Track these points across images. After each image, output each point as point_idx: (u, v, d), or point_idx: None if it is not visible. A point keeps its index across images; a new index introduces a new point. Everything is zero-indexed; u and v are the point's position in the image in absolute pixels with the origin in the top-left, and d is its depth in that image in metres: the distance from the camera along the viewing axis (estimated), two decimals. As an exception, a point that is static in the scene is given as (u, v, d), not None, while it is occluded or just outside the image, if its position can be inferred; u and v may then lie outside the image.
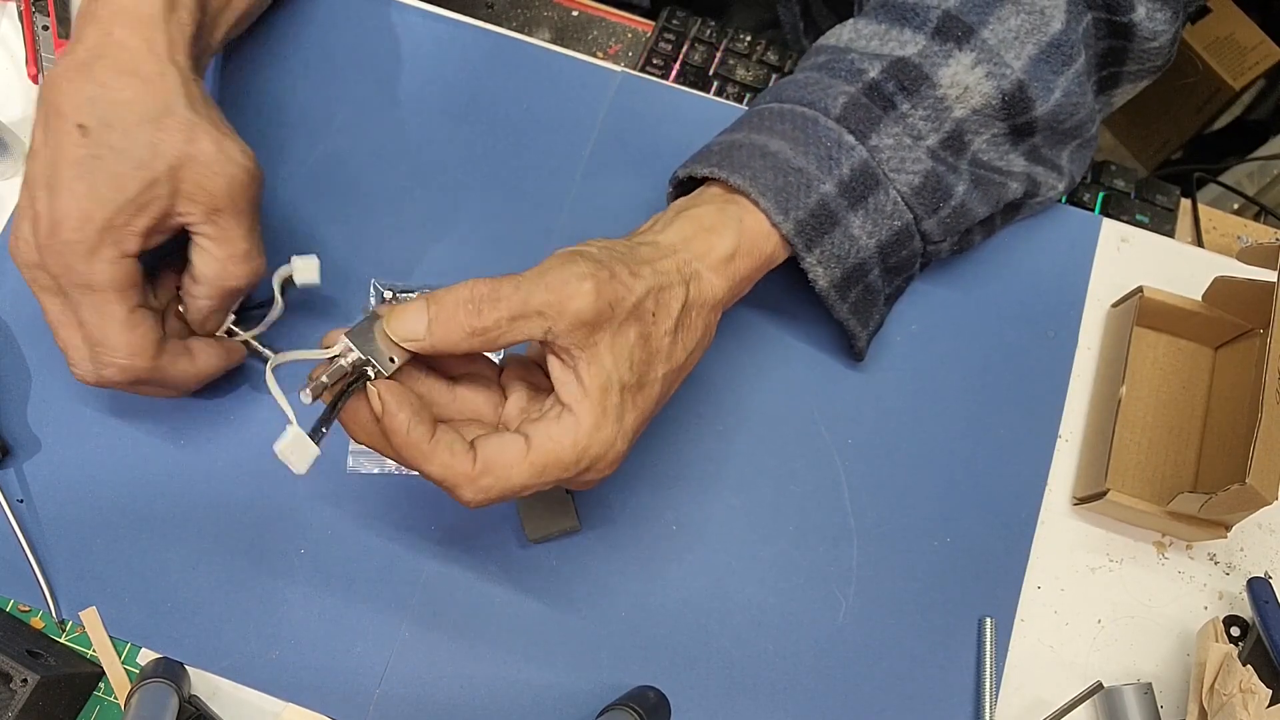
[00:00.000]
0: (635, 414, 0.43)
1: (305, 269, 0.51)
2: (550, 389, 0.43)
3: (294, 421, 0.40)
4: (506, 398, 0.45)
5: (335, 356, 0.41)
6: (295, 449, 0.39)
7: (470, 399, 0.45)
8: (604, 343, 0.41)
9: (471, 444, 0.42)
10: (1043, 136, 0.53)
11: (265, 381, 0.42)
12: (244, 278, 0.49)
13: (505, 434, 0.42)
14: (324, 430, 0.40)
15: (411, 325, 0.41)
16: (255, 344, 0.54)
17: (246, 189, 0.48)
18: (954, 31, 0.49)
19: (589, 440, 0.41)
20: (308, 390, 0.40)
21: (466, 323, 0.40)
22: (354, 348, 0.41)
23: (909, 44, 0.50)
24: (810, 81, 0.51)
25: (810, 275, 0.49)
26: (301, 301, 0.56)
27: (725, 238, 0.46)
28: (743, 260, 0.47)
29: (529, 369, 0.46)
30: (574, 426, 0.41)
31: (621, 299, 0.41)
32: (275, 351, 0.54)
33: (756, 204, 0.47)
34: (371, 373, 0.41)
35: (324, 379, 0.40)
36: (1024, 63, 0.49)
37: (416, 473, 0.43)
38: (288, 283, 0.52)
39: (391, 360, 0.41)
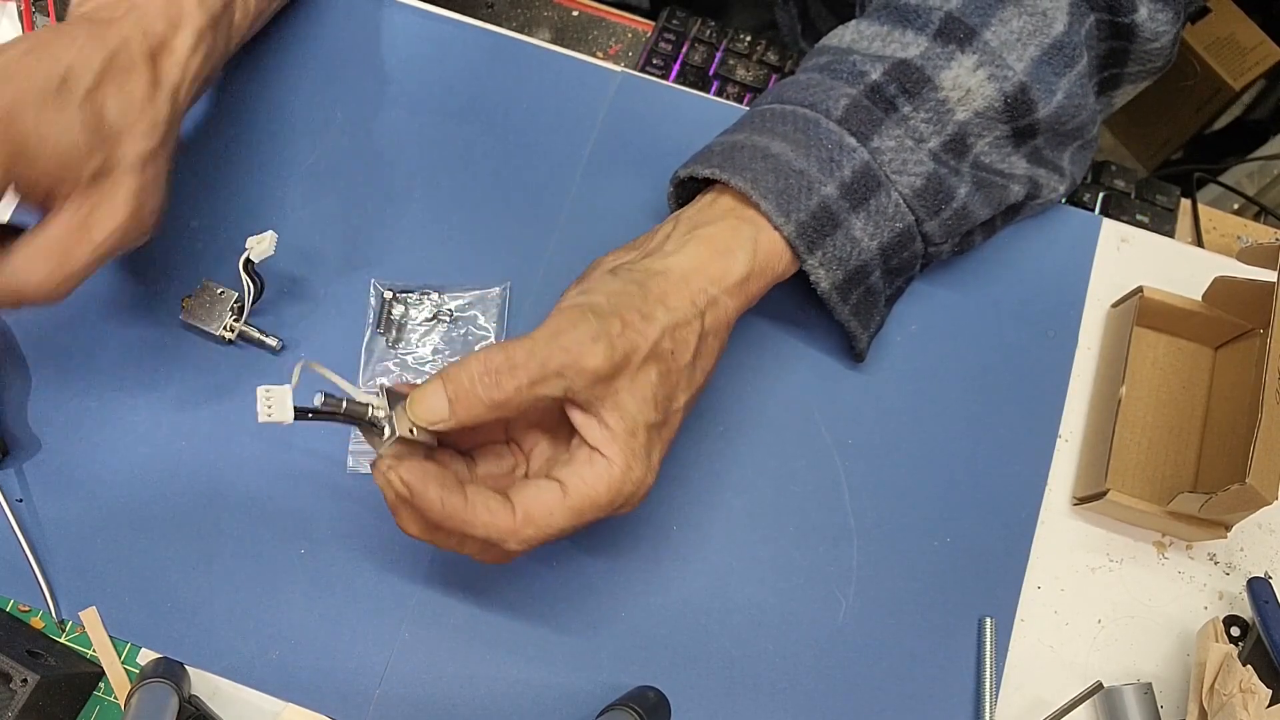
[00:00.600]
0: (661, 446, 0.44)
1: (260, 245, 0.51)
2: (568, 429, 0.44)
3: (291, 388, 0.40)
4: (528, 456, 0.46)
5: (364, 403, 0.42)
6: (273, 400, 0.40)
7: (491, 470, 0.45)
8: (624, 389, 0.42)
9: (506, 496, 0.42)
10: (1044, 138, 0.53)
11: (292, 369, 0.42)
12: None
13: (539, 481, 0.42)
14: (309, 415, 0.41)
15: (433, 407, 0.41)
16: (256, 333, 0.54)
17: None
18: (956, 33, 0.49)
19: (622, 481, 0.42)
20: (321, 394, 0.41)
21: (487, 396, 0.40)
22: (385, 406, 0.41)
23: (911, 46, 0.50)
24: (812, 83, 0.51)
25: (812, 277, 0.49)
26: (303, 298, 0.56)
27: (739, 260, 0.47)
28: (756, 281, 0.47)
29: (541, 412, 0.46)
30: (607, 470, 0.42)
31: (637, 347, 0.42)
32: (279, 340, 0.55)
33: (757, 207, 0.47)
34: (386, 431, 0.41)
35: (342, 400, 0.41)
36: (1026, 65, 0.49)
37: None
38: (250, 264, 0.52)
39: (411, 431, 0.41)
